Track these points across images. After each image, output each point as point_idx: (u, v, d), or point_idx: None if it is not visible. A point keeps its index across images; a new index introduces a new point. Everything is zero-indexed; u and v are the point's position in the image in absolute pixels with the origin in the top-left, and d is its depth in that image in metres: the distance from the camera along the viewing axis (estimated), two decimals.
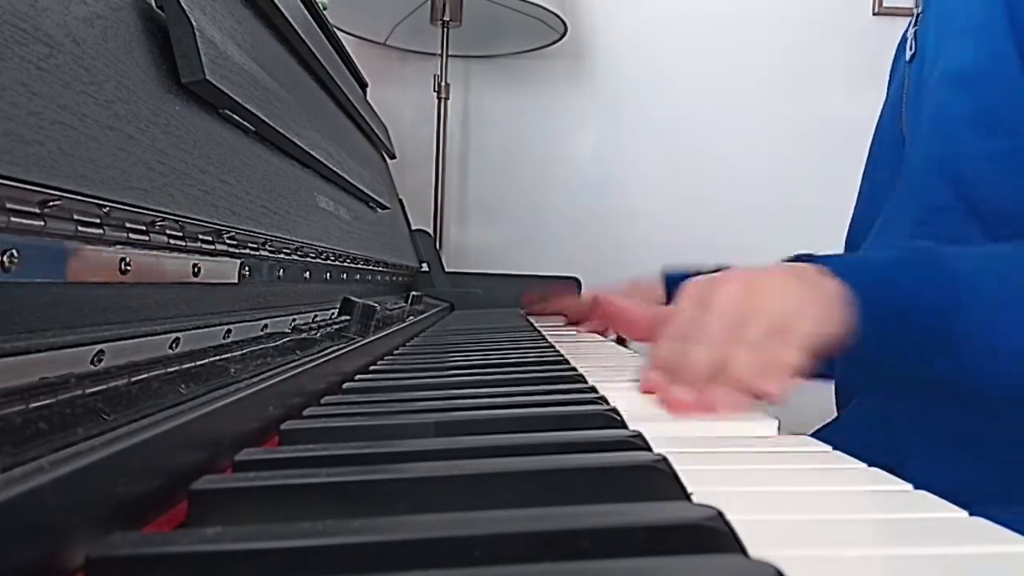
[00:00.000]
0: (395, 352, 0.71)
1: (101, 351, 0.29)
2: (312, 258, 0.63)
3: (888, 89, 0.81)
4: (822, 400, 0.85)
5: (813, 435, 0.36)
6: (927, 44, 0.71)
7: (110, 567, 0.19)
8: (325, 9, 1.17)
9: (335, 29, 1.07)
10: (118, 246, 0.31)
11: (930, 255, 0.53)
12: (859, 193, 0.84)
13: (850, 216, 0.86)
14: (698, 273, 0.87)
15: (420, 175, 1.72)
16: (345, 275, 0.78)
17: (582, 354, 0.72)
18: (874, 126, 0.83)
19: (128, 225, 0.32)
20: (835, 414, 0.82)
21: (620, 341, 1.02)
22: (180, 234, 0.37)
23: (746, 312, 0.46)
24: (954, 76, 0.64)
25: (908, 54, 0.74)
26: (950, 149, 0.64)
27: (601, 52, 1.86)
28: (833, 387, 0.83)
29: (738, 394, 0.43)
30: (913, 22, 0.75)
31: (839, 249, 0.87)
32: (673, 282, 0.98)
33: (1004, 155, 0.61)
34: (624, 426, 0.35)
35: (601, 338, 0.97)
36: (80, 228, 0.28)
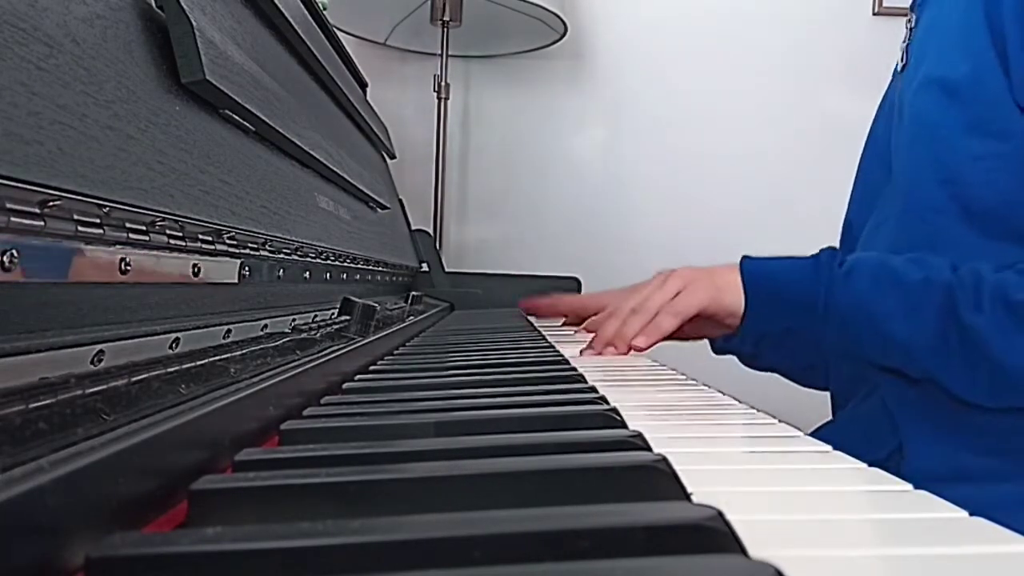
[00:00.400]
0: (395, 352, 0.71)
1: (101, 351, 0.29)
2: (312, 258, 0.63)
3: (883, 98, 0.85)
4: (818, 404, 0.86)
5: (811, 435, 0.37)
6: (914, 55, 0.75)
7: (110, 567, 0.19)
8: (325, 9, 1.17)
9: (335, 29, 1.07)
10: (118, 246, 0.31)
11: (825, 259, 0.68)
12: (851, 195, 0.87)
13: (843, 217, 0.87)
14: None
15: (420, 175, 1.72)
16: (345, 275, 0.78)
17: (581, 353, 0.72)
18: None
19: (128, 225, 0.32)
20: (830, 417, 0.83)
21: None
22: (180, 234, 0.37)
23: (652, 293, 0.71)
24: (941, 83, 0.67)
25: (900, 65, 0.78)
26: (943, 151, 0.67)
27: (601, 52, 1.86)
28: (829, 393, 0.84)
29: (622, 346, 0.71)
30: (906, 37, 0.78)
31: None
32: None
33: (996, 157, 0.64)
34: (624, 426, 0.35)
35: None
36: (80, 228, 0.28)
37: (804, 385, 0.90)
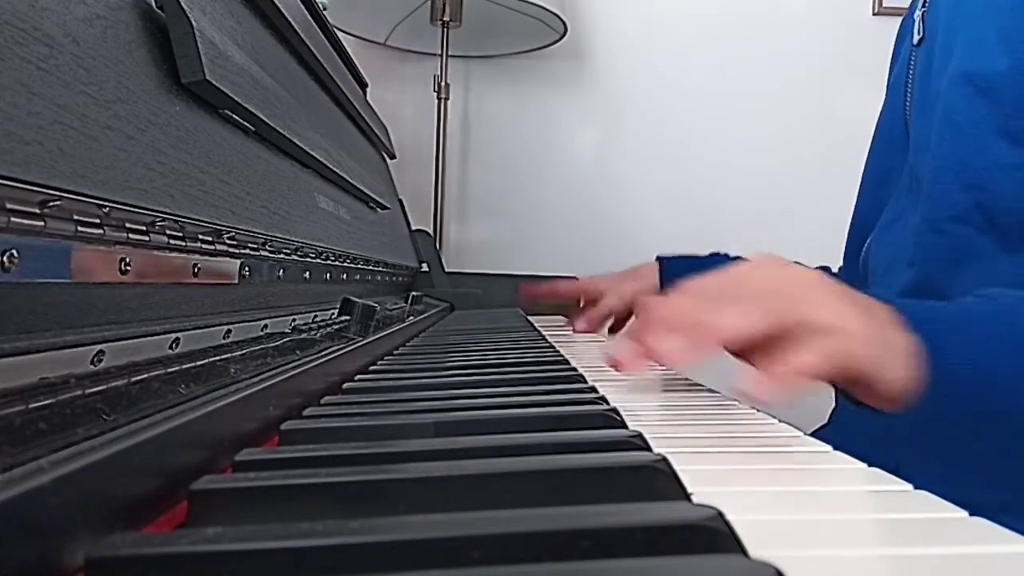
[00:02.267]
0: (395, 352, 0.71)
1: (101, 351, 0.29)
2: (312, 258, 0.63)
3: (889, 75, 0.79)
4: (818, 404, 0.85)
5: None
6: (937, 31, 0.68)
7: (110, 567, 0.19)
8: (325, 9, 1.17)
9: (335, 29, 1.07)
10: (118, 246, 0.31)
11: (1005, 314, 0.47)
12: (862, 182, 0.82)
13: (852, 207, 0.84)
14: (691, 258, 0.92)
15: (420, 175, 1.72)
16: (345, 275, 0.78)
17: (582, 354, 0.72)
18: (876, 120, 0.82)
19: (128, 225, 0.32)
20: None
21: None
22: (180, 234, 0.37)
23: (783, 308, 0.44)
24: (975, 78, 0.61)
25: (916, 37, 0.71)
26: (970, 154, 0.61)
27: (601, 52, 1.86)
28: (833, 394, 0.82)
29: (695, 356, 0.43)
30: (920, 4, 0.72)
31: (839, 246, 0.87)
32: (668, 267, 1.00)
33: None
34: (624, 426, 0.35)
35: (603, 339, 0.97)
36: (80, 228, 0.28)
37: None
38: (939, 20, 0.69)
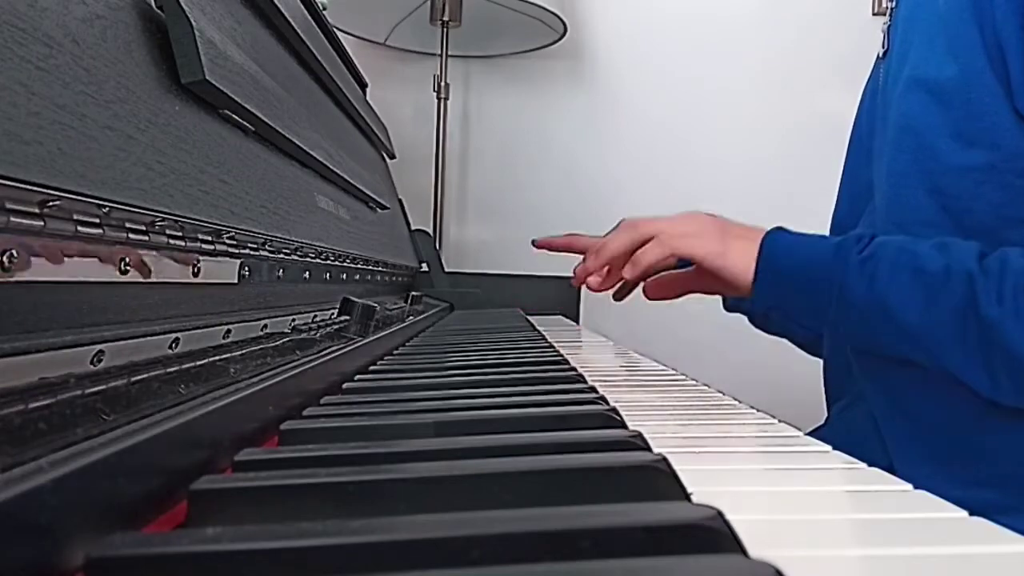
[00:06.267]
0: (395, 352, 0.71)
1: (101, 351, 0.29)
2: (312, 258, 0.63)
3: (865, 87, 0.80)
4: (818, 404, 0.85)
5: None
6: (895, 42, 0.70)
7: (110, 567, 0.19)
8: (325, 9, 1.17)
9: (335, 29, 1.07)
10: (118, 246, 0.31)
11: (849, 243, 0.62)
12: (839, 193, 0.83)
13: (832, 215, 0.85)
14: None
15: (420, 175, 1.72)
16: (345, 275, 0.78)
17: (582, 354, 0.72)
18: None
19: (128, 225, 0.32)
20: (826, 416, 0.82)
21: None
22: (180, 234, 0.37)
23: (658, 221, 0.69)
24: (927, 84, 0.63)
25: (881, 51, 0.74)
26: (928, 160, 0.63)
27: (601, 52, 1.86)
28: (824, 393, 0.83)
29: (603, 258, 0.70)
30: (887, 17, 0.74)
31: None
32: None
33: (984, 169, 0.60)
34: (624, 426, 0.35)
35: (603, 339, 0.97)
36: (80, 228, 0.28)
37: (813, 355, 0.86)
38: (897, 30, 0.70)
